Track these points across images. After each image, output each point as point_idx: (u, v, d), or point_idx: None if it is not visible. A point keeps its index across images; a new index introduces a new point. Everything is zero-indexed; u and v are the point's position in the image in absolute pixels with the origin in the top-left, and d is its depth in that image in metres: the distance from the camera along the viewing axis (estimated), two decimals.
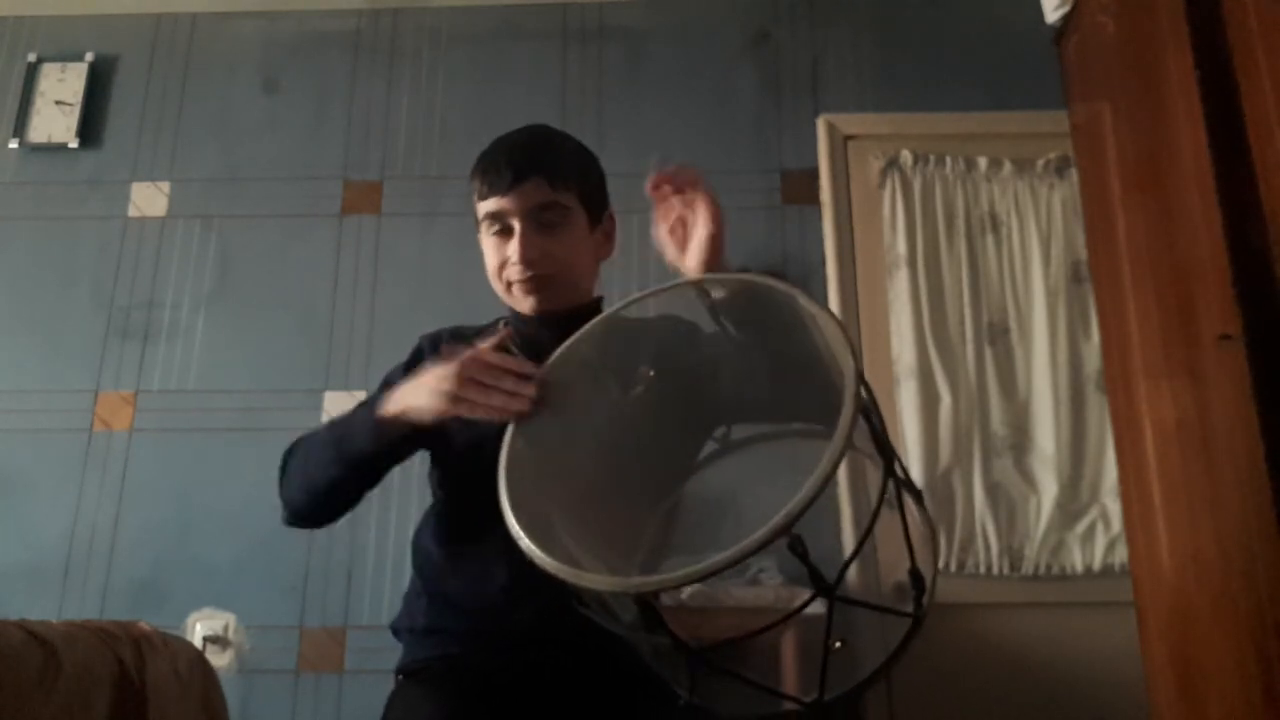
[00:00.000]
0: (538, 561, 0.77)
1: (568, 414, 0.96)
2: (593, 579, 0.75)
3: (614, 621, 0.82)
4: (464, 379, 0.97)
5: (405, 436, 1.07)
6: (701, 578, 0.70)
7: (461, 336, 1.24)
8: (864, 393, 0.77)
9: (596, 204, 1.25)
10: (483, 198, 1.19)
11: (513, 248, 1.17)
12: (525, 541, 0.79)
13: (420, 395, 1.01)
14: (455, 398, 0.97)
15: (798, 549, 0.70)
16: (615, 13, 2.84)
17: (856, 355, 0.77)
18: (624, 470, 1.00)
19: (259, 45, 2.87)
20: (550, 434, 0.94)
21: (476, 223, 1.23)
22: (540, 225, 1.17)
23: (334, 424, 1.15)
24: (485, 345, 1.01)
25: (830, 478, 0.70)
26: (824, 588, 0.75)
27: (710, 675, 0.80)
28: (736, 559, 0.68)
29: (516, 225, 1.17)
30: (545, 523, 0.83)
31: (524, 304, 1.21)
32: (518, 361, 0.98)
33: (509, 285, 1.20)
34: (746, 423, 1.04)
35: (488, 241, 1.22)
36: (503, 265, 1.20)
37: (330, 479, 1.12)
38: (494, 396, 0.95)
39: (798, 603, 0.79)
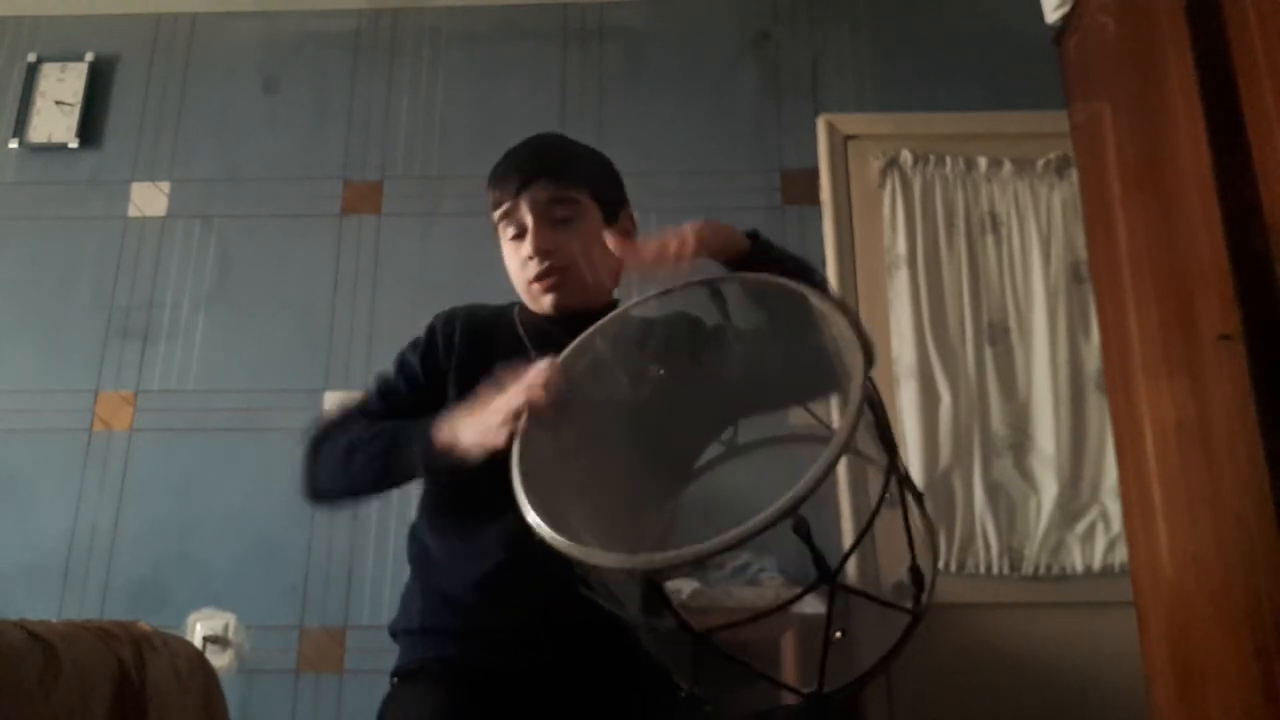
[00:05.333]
0: (548, 539, 0.78)
1: (578, 411, 0.96)
2: (602, 556, 0.76)
3: (619, 607, 0.83)
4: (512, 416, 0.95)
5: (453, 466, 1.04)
6: (710, 554, 0.72)
7: (477, 316, 1.27)
8: (869, 384, 0.78)
9: (610, 201, 1.26)
10: (496, 205, 1.23)
11: (527, 243, 1.19)
12: (535, 519, 0.80)
13: (471, 432, 1.00)
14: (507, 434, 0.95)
15: (802, 530, 0.71)
16: (615, 13, 2.84)
17: (868, 348, 0.79)
18: (631, 469, 1.00)
19: (259, 45, 2.87)
20: (560, 431, 0.95)
21: (495, 232, 1.26)
22: (552, 220, 1.20)
23: (383, 434, 1.13)
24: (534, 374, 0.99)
25: (837, 461, 0.71)
26: (825, 574, 0.75)
27: (712, 661, 0.80)
28: (743, 538, 0.70)
29: (529, 222, 1.19)
30: (557, 510, 0.83)
31: (543, 303, 1.22)
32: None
33: (529, 284, 1.22)
34: (753, 414, 1.05)
35: (508, 247, 1.24)
36: (523, 265, 1.22)
37: (372, 486, 1.15)
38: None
39: (801, 591, 0.80)
